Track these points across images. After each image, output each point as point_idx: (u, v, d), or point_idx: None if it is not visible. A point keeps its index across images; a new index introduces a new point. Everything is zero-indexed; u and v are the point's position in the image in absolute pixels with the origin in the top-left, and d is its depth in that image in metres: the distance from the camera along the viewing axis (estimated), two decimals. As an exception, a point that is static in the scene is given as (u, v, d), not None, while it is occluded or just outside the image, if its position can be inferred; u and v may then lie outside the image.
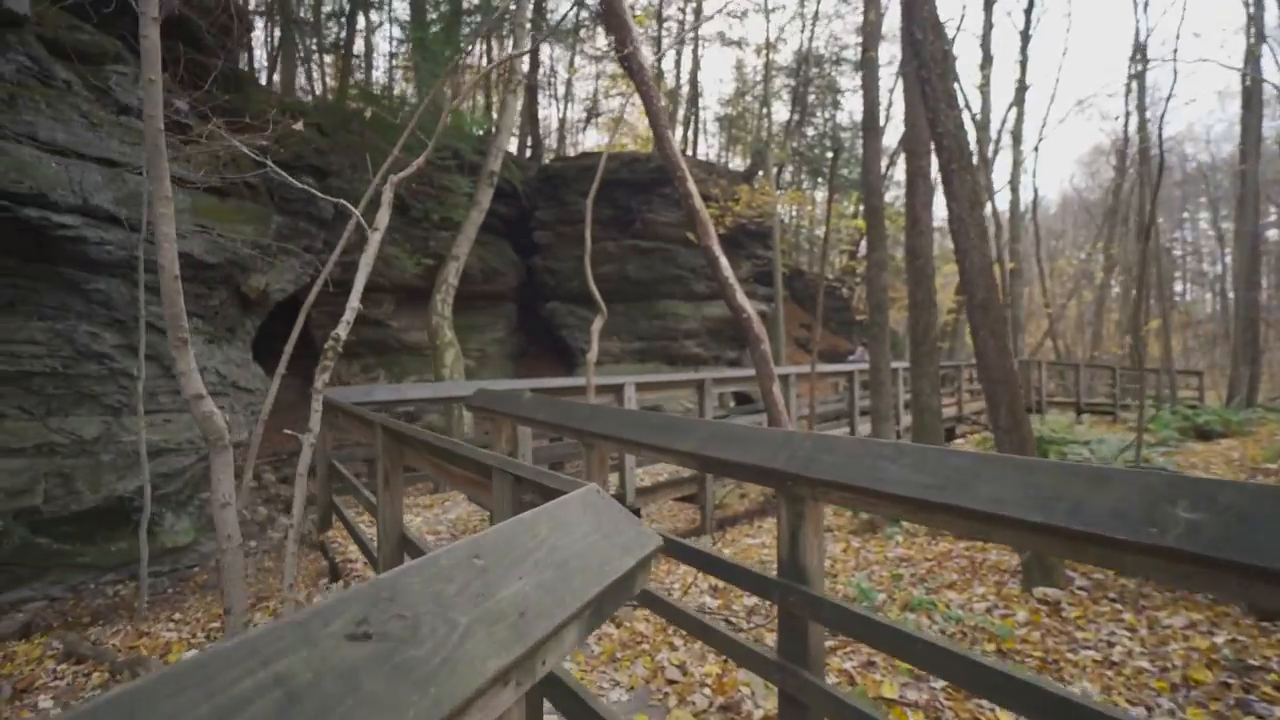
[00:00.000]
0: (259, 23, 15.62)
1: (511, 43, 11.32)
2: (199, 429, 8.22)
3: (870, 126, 8.63)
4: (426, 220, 11.95)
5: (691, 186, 6.57)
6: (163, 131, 3.42)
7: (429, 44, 13.03)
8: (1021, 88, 21.82)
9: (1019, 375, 5.78)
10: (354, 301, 4.64)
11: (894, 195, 24.59)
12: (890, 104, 20.54)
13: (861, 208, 18.05)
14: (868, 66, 9.18)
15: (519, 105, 12.80)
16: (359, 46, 17.79)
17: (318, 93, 17.47)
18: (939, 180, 5.58)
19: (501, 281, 18.55)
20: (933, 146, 5.58)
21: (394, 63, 20.33)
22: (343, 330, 4.36)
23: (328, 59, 18.10)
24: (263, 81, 15.06)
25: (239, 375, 9.09)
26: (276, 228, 9.03)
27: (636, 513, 5.07)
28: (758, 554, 5.75)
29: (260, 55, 18.49)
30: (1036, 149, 26.41)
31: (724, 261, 6.66)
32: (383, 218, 4.43)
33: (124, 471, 7.73)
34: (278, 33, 15.72)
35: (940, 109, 4.99)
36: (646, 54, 12.81)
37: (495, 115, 12.50)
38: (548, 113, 30.23)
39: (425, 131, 13.24)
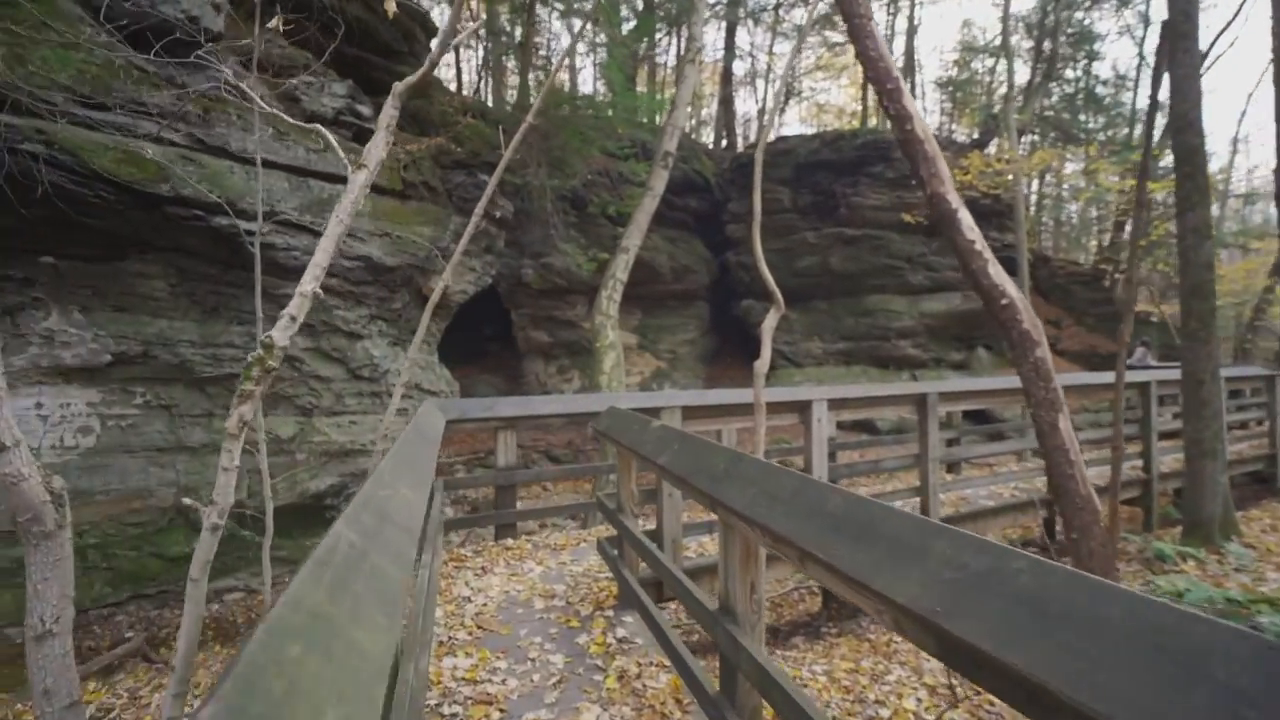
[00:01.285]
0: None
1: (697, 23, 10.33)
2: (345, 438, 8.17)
3: (1183, 30, 6.05)
4: (603, 216, 11.32)
5: (909, 104, 4.81)
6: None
7: (624, 40, 12.50)
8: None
9: None
10: (308, 283, 3.42)
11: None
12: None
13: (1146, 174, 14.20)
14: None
15: (698, 77, 11.71)
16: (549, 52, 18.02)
17: (501, 95, 17.96)
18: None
19: (692, 279, 17.64)
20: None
21: (581, 60, 20.40)
22: (279, 334, 3.22)
23: (510, 62, 18.54)
24: (452, 87, 15.72)
25: (423, 378, 9.09)
26: (455, 229, 8.88)
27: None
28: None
29: (449, 61, 19.39)
30: None
31: (967, 219, 4.79)
32: (376, 147, 3.39)
33: (316, 470, 7.93)
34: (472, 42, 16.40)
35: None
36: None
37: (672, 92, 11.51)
38: (746, 107, 28.93)
39: (615, 125, 12.70)
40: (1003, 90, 20.75)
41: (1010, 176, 16.05)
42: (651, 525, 4.40)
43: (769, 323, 4.92)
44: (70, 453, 6.39)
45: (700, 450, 2.21)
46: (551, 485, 12.84)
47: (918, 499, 5.24)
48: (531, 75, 12.49)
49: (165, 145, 6.14)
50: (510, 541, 4.99)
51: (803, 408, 5.03)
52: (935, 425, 5.17)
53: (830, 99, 31.29)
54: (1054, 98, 25.12)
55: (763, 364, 4.79)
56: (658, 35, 20.99)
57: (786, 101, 23.99)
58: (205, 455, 7.18)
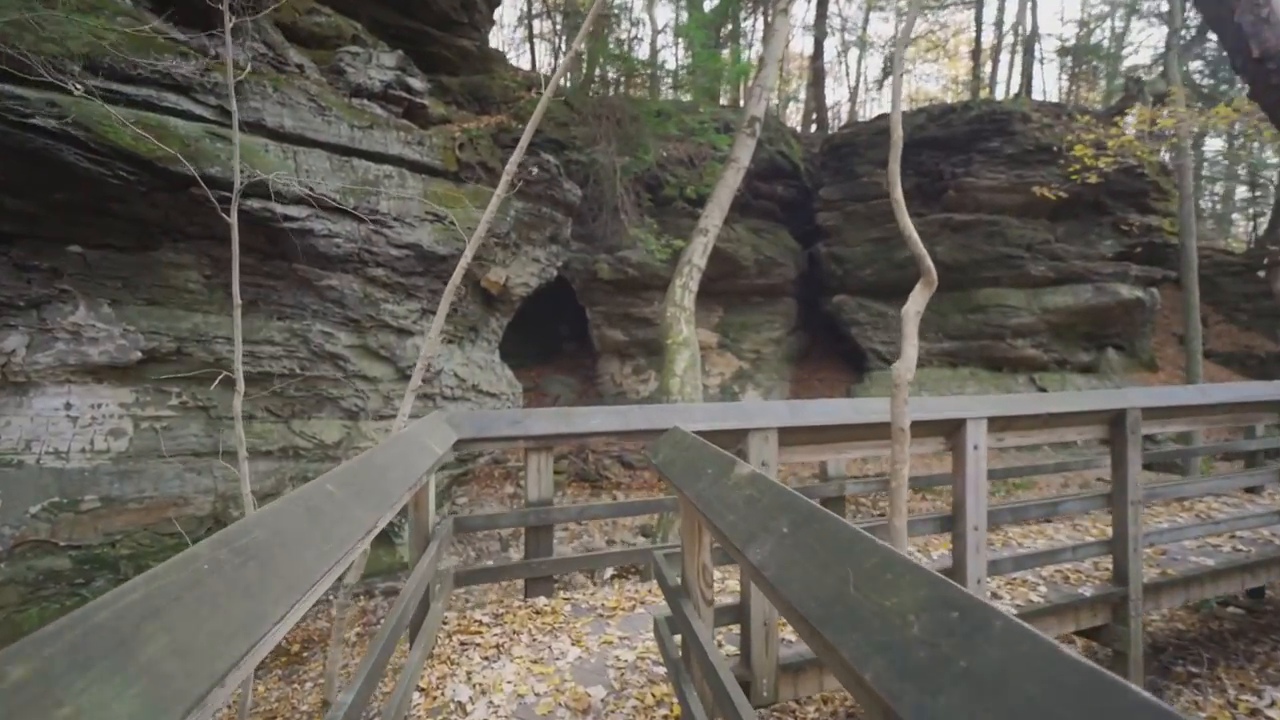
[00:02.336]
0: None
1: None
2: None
3: None
4: (680, 199, 10.14)
5: None
6: None
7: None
8: None
9: None
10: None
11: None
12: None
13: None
14: None
15: (788, 30, 10.39)
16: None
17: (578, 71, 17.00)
18: None
19: (779, 273, 16.26)
20: None
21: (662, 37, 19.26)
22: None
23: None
24: (524, 62, 14.97)
25: (481, 378, 8.31)
26: (516, 215, 8.04)
27: None
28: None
29: (517, 35, 18.57)
30: None
31: None
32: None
33: (363, 479, 7.23)
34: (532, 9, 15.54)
35: None
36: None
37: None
38: (835, 96, 27.07)
39: (695, 98, 11.56)
40: (1135, 56, 18.12)
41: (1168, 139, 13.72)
42: (729, 597, 3.28)
43: (915, 305, 3.65)
44: (101, 457, 5.93)
45: (842, 552, 1.08)
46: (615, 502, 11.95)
47: (1108, 557, 3.85)
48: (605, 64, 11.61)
49: (193, 120, 5.54)
50: (543, 602, 3.75)
51: (952, 429, 3.75)
52: (1137, 454, 3.73)
53: (922, 85, 28.88)
54: (1199, 61, 21.93)
55: (906, 365, 3.51)
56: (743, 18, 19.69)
57: (886, 75, 21.95)
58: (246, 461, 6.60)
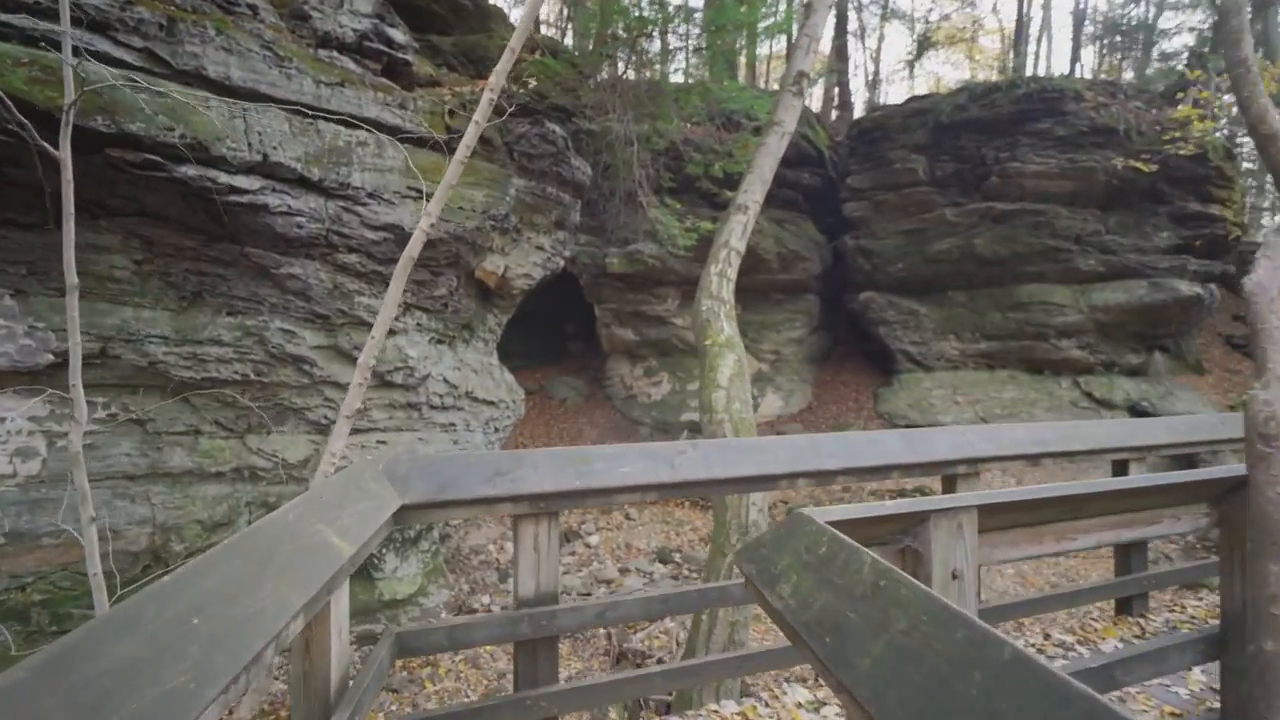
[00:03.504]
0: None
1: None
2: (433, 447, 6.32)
3: None
4: (705, 178, 8.90)
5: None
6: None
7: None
8: None
9: None
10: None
11: None
12: None
13: None
14: None
15: None
16: None
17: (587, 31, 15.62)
18: None
19: (802, 268, 15.09)
20: None
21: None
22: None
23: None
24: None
25: (476, 384, 7.18)
26: (517, 194, 6.90)
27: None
28: None
29: None
30: None
31: None
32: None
33: (335, 504, 6.10)
34: None
35: None
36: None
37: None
38: (854, 80, 25.77)
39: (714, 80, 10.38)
40: (1180, 36, 16.86)
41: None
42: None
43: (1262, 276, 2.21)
44: (5, 483, 4.82)
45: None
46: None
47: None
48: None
49: (113, 66, 4.42)
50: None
51: None
52: None
53: (950, 72, 27.59)
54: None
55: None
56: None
57: (921, 53, 20.70)
58: (190, 485, 5.51)
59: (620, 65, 7.92)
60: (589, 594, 7.26)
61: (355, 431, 6.19)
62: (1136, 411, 14.66)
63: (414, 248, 3.35)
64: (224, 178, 4.85)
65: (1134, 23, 17.98)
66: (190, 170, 4.67)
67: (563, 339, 20.59)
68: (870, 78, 24.31)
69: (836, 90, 19.51)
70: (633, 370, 17.32)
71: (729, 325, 4.37)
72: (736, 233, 5.13)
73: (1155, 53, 17.34)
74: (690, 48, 11.34)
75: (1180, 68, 15.58)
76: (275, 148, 5.12)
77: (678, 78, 15.23)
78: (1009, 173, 13.04)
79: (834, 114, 19.24)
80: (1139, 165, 11.23)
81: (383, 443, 6.31)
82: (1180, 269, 13.48)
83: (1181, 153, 11.98)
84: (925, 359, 15.35)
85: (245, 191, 5.00)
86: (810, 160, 15.01)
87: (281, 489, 6.00)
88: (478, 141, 6.60)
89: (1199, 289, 13.53)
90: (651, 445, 2.20)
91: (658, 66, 11.43)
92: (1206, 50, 14.89)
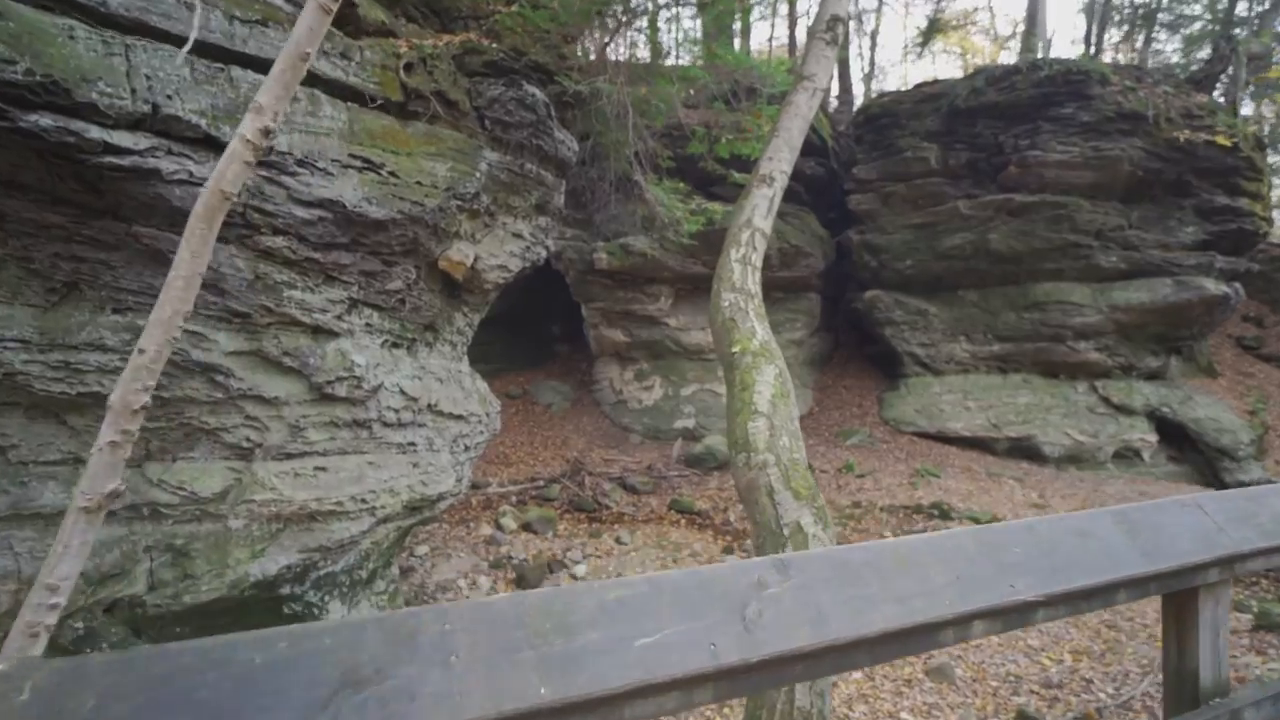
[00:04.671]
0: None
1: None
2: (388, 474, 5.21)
3: None
4: (710, 158, 7.75)
5: None
6: None
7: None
8: None
9: None
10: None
11: None
12: None
13: None
14: None
15: None
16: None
17: None
18: None
19: (804, 264, 14.07)
20: None
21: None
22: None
23: None
24: None
25: (441, 395, 6.05)
26: (489, 170, 5.78)
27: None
28: None
29: None
30: None
31: None
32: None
33: (262, 543, 5.00)
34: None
35: None
36: None
37: None
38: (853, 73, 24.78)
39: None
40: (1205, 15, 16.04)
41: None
42: None
43: None
44: None
45: None
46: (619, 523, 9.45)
47: None
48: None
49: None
50: None
51: None
52: None
53: (945, 68, 26.76)
54: None
55: None
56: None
57: (930, 36, 19.68)
58: (68, 527, 4.30)
59: (611, 28, 6.81)
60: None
61: (286, 457, 5.03)
62: (1156, 417, 13.82)
63: (226, 174, 2.20)
64: (95, 132, 3.69)
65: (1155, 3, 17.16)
66: (45, 120, 3.50)
67: (548, 341, 19.45)
68: (867, 69, 23.38)
69: (837, 77, 18.50)
70: (623, 374, 16.22)
71: (761, 326, 3.24)
72: (761, 209, 4.04)
73: (1179, 38, 16.53)
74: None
75: (1203, 54, 14.77)
76: (170, 97, 3.96)
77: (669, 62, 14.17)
78: (1029, 162, 12.10)
79: (834, 102, 18.26)
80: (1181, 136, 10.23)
81: (321, 469, 5.16)
82: (1206, 266, 12.63)
83: (1212, 140, 11.12)
84: (934, 362, 14.40)
85: (128, 152, 3.83)
86: (813, 149, 13.98)
87: (194, 528, 4.84)
88: (440, 102, 5.49)
89: (1225, 288, 12.69)
90: (702, 573, 1.08)
91: (645, 38, 10.29)
92: (1237, 33, 14.09)
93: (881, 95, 15.76)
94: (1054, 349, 13.59)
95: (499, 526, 8.86)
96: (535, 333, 18.80)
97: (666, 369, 15.53)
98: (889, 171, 13.50)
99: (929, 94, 13.37)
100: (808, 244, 13.81)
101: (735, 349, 3.04)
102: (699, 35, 12.63)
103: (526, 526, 9.09)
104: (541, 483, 12.06)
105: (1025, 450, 13.41)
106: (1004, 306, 13.72)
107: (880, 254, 14.00)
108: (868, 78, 23.85)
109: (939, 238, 13.32)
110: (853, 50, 22.35)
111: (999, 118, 12.38)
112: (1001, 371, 14.26)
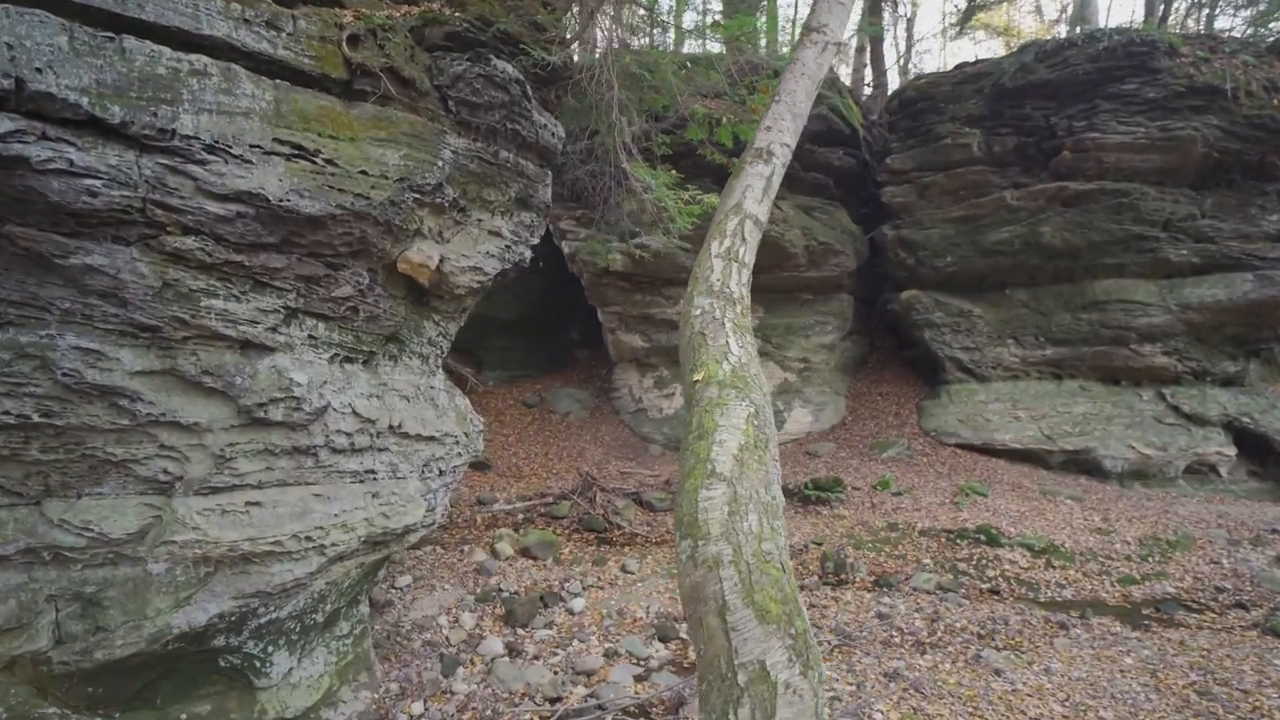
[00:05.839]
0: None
1: None
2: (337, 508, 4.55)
3: None
4: (709, 145, 6.63)
5: None
6: None
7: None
8: None
9: None
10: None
11: None
12: None
13: None
14: None
15: None
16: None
17: None
18: None
19: (835, 263, 13.07)
20: None
21: None
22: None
23: None
24: None
25: (406, 415, 5.34)
26: (455, 159, 5.05)
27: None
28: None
29: None
30: None
31: None
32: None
33: (188, 590, 4.35)
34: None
35: None
36: None
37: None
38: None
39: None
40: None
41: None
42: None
43: None
44: None
45: None
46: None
47: None
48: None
49: None
50: None
51: None
52: None
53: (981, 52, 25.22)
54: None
55: None
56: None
57: (970, 15, 18.30)
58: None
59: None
60: (558, 699, 5.36)
61: (211, 491, 4.36)
62: (1235, 428, 12.40)
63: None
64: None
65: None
66: None
67: (568, 346, 18.78)
68: (902, 58, 22.12)
69: (869, 62, 17.38)
70: (642, 380, 15.44)
71: (739, 343, 2.30)
72: (755, 191, 3.16)
73: (1251, 11, 14.98)
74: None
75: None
76: (40, 70, 3.31)
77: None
78: (1085, 145, 10.90)
79: (866, 89, 17.14)
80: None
81: (255, 504, 4.47)
82: (1294, 258, 11.21)
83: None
84: (979, 367, 13.22)
85: (-12, 137, 3.20)
86: (842, 138, 12.99)
87: (107, 573, 4.21)
88: (392, 80, 4.77)
89: (1319, 282, 11.25)
90: None
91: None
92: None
93: (917, 78, 14.63)
94: (1115, 353, 12.30)
95: (493, 552, 8.14)
96: (554, 338, 18.15)
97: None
98: (926, 161, 12.40)
99: (970, 74, 12.24)
100: (837, 241, 12.80)
101: (697, 377, 2.16)
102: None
103: (525, 551, 8.35)
104: (551, 499, 11.33)
105: (1083, 464, 12.16)
106: (1058, 306, 12.48)
107: (917, 250, 12.90)
108: (903, 68, 22.59)
109: (983, 232, 12.17)
110: (887, 39, 21.14)
111: (1050, 97, 11.20)
112: (1056, 377, 13.01)
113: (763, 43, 11.57)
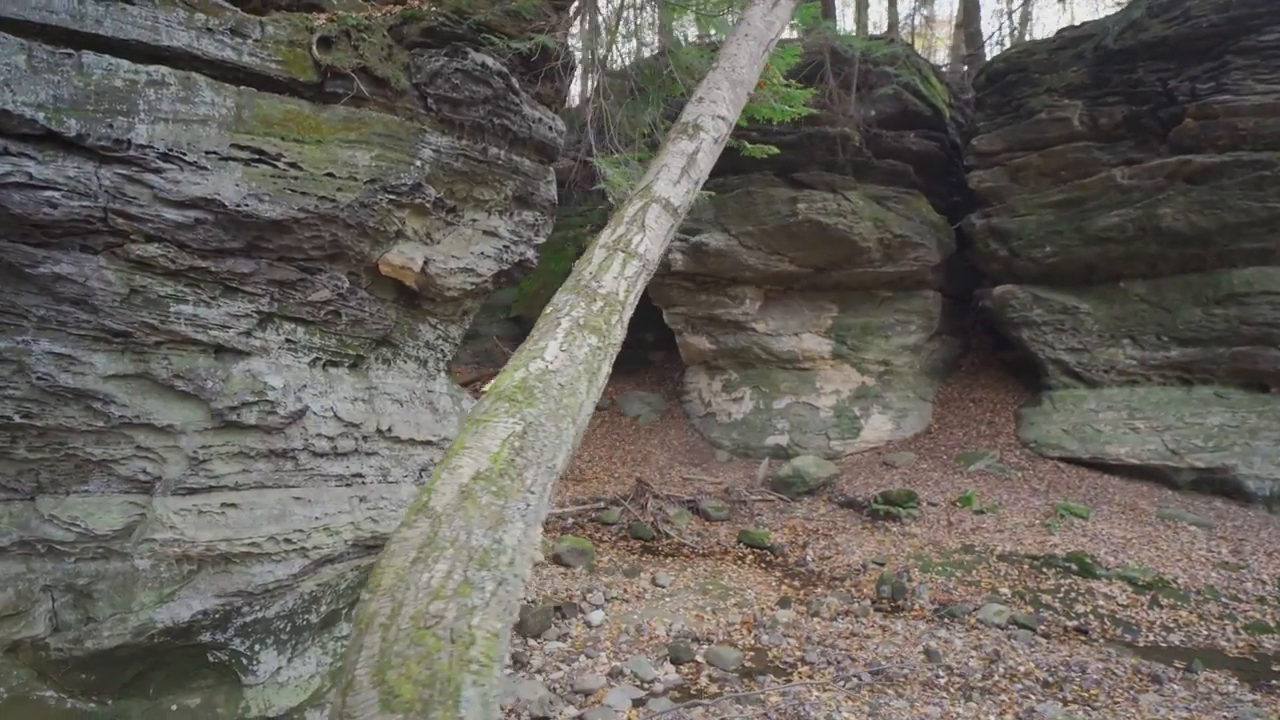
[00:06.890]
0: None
1: None
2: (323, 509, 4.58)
3: None
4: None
5: None
6: None
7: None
8: None
9: None
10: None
11: None
12: None
13: None
14: None
15: None
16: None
17: None
18: None
19: (913, 257, 12.00)
20: None
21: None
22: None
23: None
24: None
25: (397, 419, 5.30)
26: (437, 158, 4.93)
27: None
28: None
29: None
30: None
31: None
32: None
33: (172, 586, 4.49)
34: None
35: None
36: None
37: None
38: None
39: None
40: None
41: None
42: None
43: None
44: None
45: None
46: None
47: None
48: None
49: None
50: None
51: None
52: None
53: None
54: None
55: None
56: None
57: None
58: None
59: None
60: (545, 719, 5.10)
61: (187, 492, 4.47)
62: None
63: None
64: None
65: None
66: None
67: (642, 348, 18.57)
68: (1015, 29, 20.13)
69: (964, 38, 15.89)
70: (710, 384, 14.96)
71: (563, 347, 1.78)
72: (671, 171, 2.70)
73: None
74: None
75: None
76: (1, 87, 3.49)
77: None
78: (1212, 110, 9.28)
79: (964, 68, 15.69)
80: None
81: (231, 505, 4.54)
82: None
83: None
84: (1088, 371, 11.67)
85: (-55, 153, 3.39)
86: (921, 120, 11.91)
87: (98, 567, 4.42)
88: (366, 80, 4.71)
89: None
90: None
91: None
92: None
93: (1010, 49, 13.15)
94: (1260, 354, 10.42)
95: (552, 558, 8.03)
96: (629, 339, 17.96)
97: (757, 379, 14.03)
98: (1018, 139, 11.06)
99: (1069, 39, 10.77)
100: (916, 233, 11.73)
101: (486, 386, 1.77)
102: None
103: (556, 558, 8.18)
104: (603, 504, 11.14)
105: (1219, 485, 10.40)
106: (1185, 300, 10.76)
107: (1011, 241, 11.56)
108: (1016, 40, 20.49)
109: (1089, 217, 10.70)
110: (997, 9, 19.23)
111: (1167, 57, 9.63)
112: (1183, 383, 11.23)
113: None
